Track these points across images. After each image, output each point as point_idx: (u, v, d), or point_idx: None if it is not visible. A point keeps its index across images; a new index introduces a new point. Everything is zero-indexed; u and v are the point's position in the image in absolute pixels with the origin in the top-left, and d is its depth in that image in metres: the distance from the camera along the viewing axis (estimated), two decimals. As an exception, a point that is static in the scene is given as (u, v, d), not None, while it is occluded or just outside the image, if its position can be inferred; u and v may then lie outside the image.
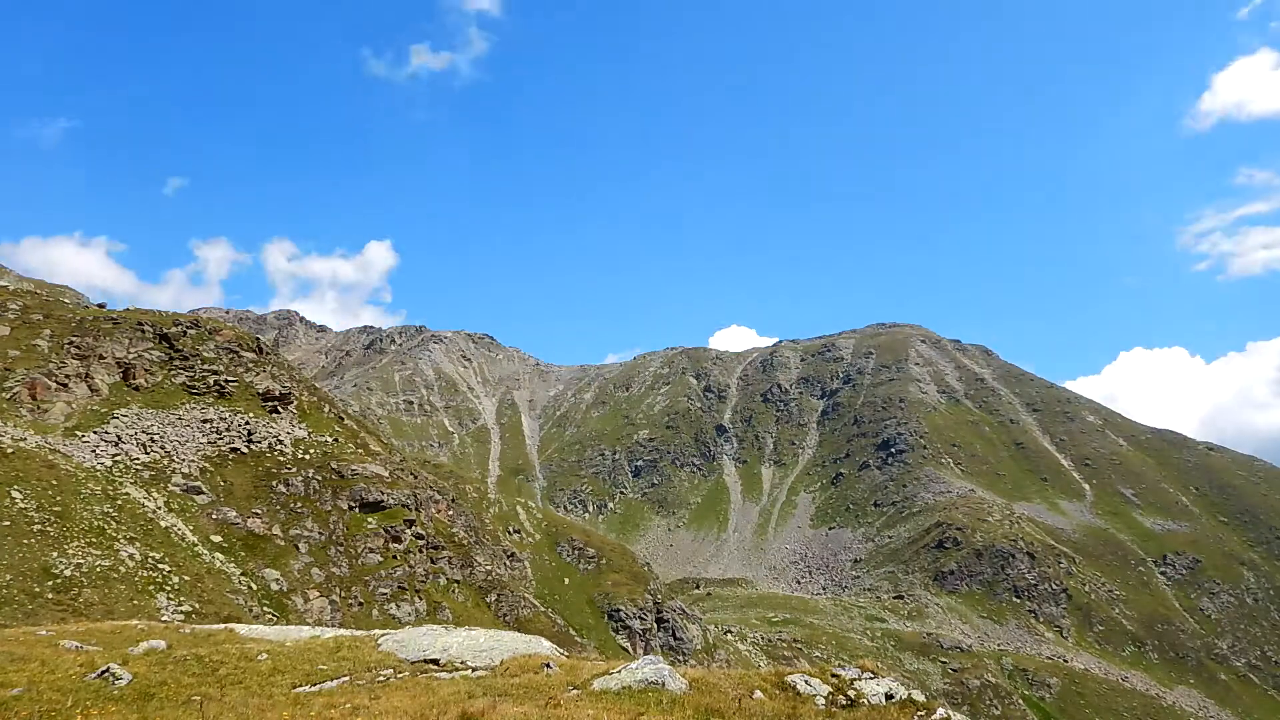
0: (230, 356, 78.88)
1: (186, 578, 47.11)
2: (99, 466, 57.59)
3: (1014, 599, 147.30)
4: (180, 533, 53.41)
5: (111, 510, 50.39)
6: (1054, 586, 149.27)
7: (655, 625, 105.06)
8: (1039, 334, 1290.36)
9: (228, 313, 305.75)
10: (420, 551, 69.14)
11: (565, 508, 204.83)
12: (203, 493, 60.15)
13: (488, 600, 76.19)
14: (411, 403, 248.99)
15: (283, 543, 60.29)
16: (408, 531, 68.48)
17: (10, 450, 52.25)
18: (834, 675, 15.60)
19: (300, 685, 17.88)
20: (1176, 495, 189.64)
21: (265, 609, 51.56)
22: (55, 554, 42.28)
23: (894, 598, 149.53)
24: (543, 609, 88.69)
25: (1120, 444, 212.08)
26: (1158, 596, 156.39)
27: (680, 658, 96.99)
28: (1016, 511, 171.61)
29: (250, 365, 79.55)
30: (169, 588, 44.93)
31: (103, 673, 18.13)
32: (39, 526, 44.21)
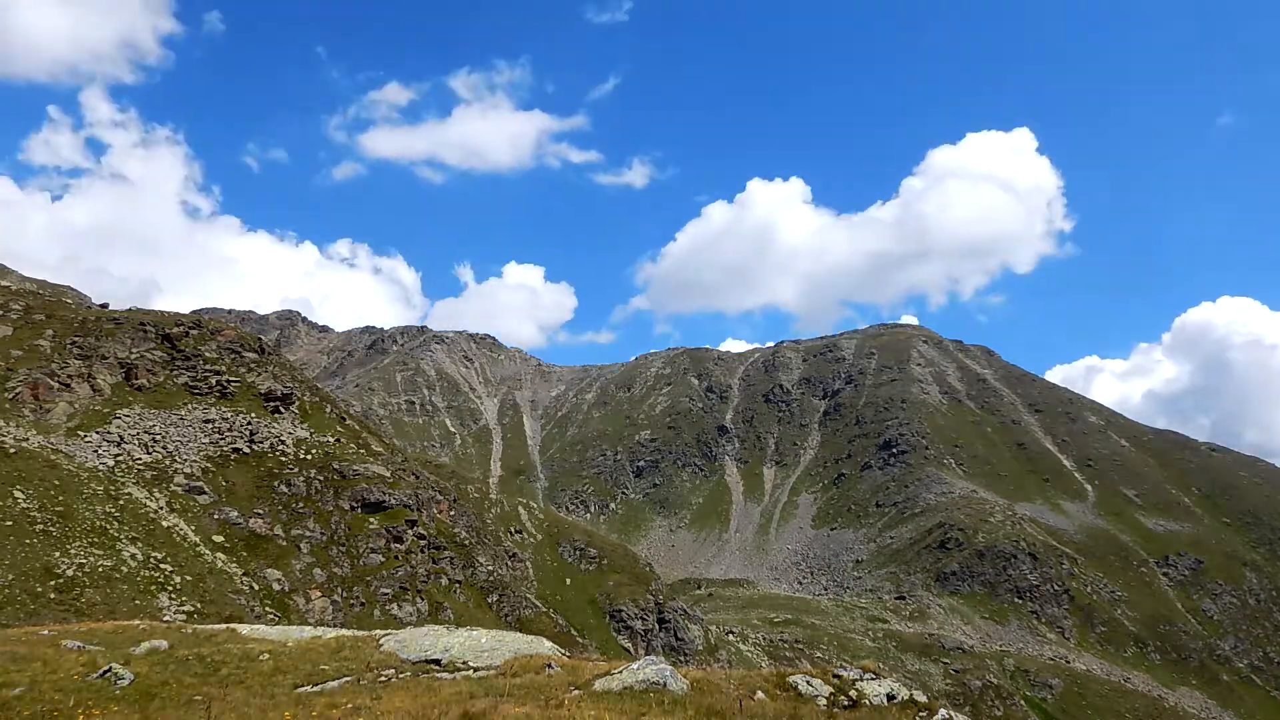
0: (232, 357, 79.02)
1: (188, 578, 47.23)
2: (101, 467, 57.70)
3: (1016, 600, 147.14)
4: (182, 533, 53.51)
5: (114, 510, 50.51)
6: (1056, 587, 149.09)
7: (657, 626, 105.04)
8: (1041, 333, 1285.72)
9: (229, 313, 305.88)
10: (422, 552, 69.19)
11: (567, 508, 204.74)
12: (205, 493, 60.24)
13: (489, 601, 76.26)
14: (413, 403, 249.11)
15: (285, 543, 60.37)
16: (409, 532, 68.53)
17: (13, 450, 52.37)
18: (835, 676, 15.63)
19: (302, 685, 17.92)
20: (1179, 496, 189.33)
21: (267, 609, 51.63)
22: (57, 554, 42.40)
23: (896, 598, 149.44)
24: (544, 609, 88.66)
25: (1122, 444, 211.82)
26: (1160, 597, 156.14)
27: (682, 658, 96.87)
28: (1018, 512, 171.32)
29: (252, 365, 79.67)
30: (171, 588, 45.05)
31: (105, 673, 18.16)
32: (41, 526, 44.32)
